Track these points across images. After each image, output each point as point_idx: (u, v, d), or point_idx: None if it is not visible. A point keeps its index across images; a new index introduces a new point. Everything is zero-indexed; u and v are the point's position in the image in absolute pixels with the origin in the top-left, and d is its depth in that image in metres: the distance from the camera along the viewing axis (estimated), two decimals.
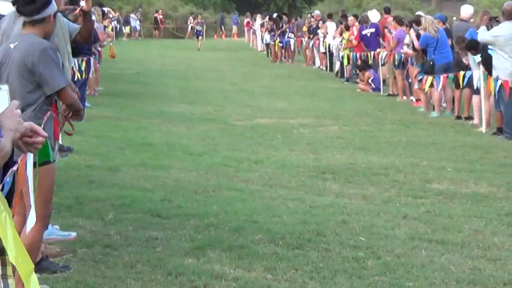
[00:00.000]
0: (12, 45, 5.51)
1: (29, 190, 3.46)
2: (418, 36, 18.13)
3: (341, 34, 27.67)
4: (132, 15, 60.34)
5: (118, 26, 56.14)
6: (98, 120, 14.82)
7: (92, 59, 15.68)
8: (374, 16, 25.92)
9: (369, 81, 23.47)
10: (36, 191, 3.62)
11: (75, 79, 13.83)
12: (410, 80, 20.18)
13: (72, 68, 13.58)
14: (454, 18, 19.85)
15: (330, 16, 32.61)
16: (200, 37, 46.30)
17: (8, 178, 3.30)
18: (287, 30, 35.89)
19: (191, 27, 59.30)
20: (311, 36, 33.15)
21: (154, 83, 23.78)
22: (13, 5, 5.58)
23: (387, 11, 25.28)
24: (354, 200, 8.93)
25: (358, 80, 24.49)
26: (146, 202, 8.37)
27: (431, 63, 17.42)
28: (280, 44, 35.56)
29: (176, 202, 8.43)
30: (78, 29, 6.79)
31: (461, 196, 9.23)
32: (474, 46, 15.38)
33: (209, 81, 25.60)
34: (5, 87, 3.50)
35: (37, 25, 5.54)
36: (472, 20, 18.50)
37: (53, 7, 5.57)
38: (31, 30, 5.54)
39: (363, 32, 24.38)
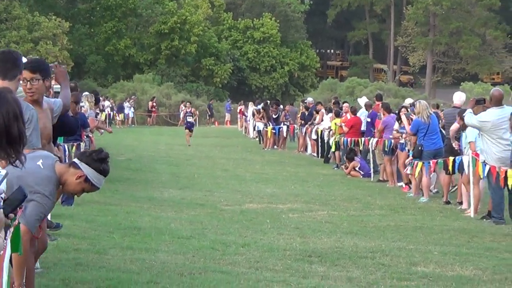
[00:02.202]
0: None
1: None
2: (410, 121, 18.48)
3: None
4: (125, 102, 60.97)
5: (112, 113, 56.69)
6: (88, 204, 14.93)
7: (82, 144, 15.91)
8: (362, 102, 26.44)
9: (356, 169, 23.77)
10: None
11: None
12: (398, 166, 20.46)
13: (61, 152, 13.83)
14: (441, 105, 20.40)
15: (320, 104, 33.07)
16: (191, 130, 37.23)
17: None
18: (284, 117, 36.36)
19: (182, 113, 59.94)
20: (304, 122, 33.56)
21: (145, 169, 23.98)
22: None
23: (379, 98, 25.68)
24: (339, 282, 9.02)
25: (343, 168, 24.78)
26: (132, 284, 8.42)
27: (420, 148, 17.68)
28: (273, 131, 36.01)
29: (162, 284, 8.50)
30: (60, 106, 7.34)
31: (446, 278, 9.34)
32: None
33: (200, 167, 25.82)
34: (4, 171, 3.90)
35: None
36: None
37: None
38: None
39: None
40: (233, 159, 29.64)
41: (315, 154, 31.91)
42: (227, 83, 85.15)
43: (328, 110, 30.45)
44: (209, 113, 67.22)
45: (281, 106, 38.73)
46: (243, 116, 54.03)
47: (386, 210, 16.13)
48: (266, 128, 36.36)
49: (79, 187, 6.19)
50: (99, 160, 6.21)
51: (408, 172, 19.01)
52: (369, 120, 24.44)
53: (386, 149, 21.02)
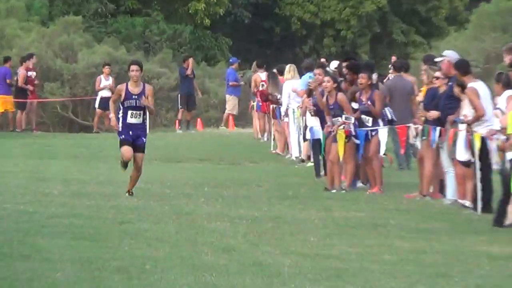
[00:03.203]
0: None
1: None
2: None
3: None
4: None
5: None
6: None
7: None
8: None
9: None
10: None
11: None
12: None
13: None
14: None
15: (468, 68, 33.18)
16: (139, 147, 34.81)
17: None
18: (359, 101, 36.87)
19: (101, 98, 59.39)
20: (434, 115, 33.18)
21: (11, 253, 23.27)
22: None
23: None
24: None
25: None
26: None
27: None
28: (357, 142, 36.31)
29: None
30: None
31: None
32: None
33: (161, 244, 24.83)
34: None
35: None
36: None
37: None
38: None
39: None
40: (250, 217, 29.72)
41: (469, 204, 31.33)
42: (226, 17, 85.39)
43: (505, 82, 29.24)
44: (186, 97, 66.16)
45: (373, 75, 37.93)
46: (269, 105, 54.44)
47: None
48: (334, 131, 36.45)
49: None
50: None
51: None
52: None
53: None
